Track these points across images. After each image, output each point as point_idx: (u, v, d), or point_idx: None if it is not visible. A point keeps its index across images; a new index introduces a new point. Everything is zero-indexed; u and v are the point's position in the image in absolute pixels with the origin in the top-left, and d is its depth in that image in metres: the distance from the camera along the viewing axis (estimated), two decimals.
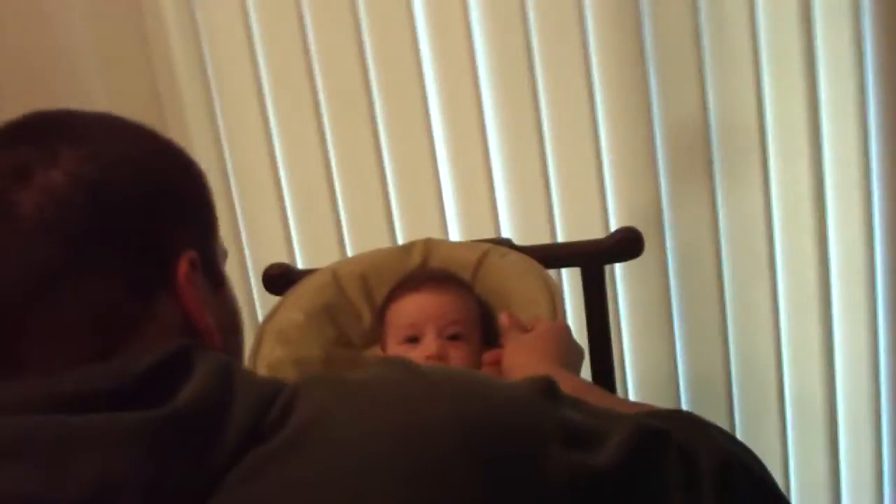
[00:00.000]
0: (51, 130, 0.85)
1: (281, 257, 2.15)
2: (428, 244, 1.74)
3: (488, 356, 1.42)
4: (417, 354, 1.50)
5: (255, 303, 2.29)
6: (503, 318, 1.46)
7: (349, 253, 2.24)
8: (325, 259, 1.97)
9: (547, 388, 0.85)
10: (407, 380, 0.82)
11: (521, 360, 1.34)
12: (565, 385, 1.17)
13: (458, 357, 1.50)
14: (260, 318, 2.16)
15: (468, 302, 1.57)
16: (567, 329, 1.45)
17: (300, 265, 2.24)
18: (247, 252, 2.30)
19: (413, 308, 1.55)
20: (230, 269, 2.24)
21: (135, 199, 0.84)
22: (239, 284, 2.32)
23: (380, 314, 1.63)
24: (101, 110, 0.92)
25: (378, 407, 0.78)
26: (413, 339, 1.53)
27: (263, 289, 1.90)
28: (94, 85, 2.12)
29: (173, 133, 2.13)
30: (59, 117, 0.88)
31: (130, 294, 0.83)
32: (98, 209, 0.81)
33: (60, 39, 2.06)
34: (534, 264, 1.66)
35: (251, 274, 2.28)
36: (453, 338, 1.52)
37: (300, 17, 2.15)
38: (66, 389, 0.75)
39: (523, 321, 1.46)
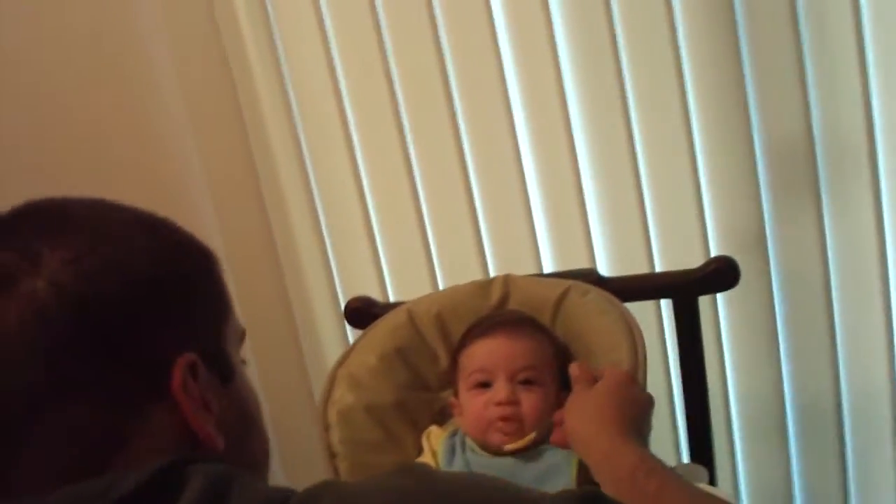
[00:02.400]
0: (36, 230, 0.82)
1: (372, 290, 2.13)
2: (507, 280, 1.68)
3: (559, 415, 1.36)
4: (488, 399, 1.46)
5: (348, 338, 2.27)
6: (573, 369, 1.40)
7: (441, 284, 2.20)
8: (416, 291, 1.94)
9: (585, 501, 0.79)
10: (416, 491, 0.77)
11: (579, 427, 1.29)
12: (624, 464, 1.13)
13: (530, 402, 1.45)
14: None
15: (543, 346, 1.52)
16: (633, 380, 1.40)
17: (392, 298, 2.21)
18: (337, 285, 2.28)
19: (484, 353, 1.51)
20: (319, 303, 2.27)
21: (121, 312, 0.80)
22: (331, 320, 2.31)
23: (453, 358, 1.59)
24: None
25: None
26: (484, 385, 1.49)
27: None
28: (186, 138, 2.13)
29: (260, 164, 2.18)
30: (46, 213, 0.86)
31: (119, 411, 0.80)
32: (82, 326, 0.78)
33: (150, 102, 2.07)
34: (615, 303, 1.60)
35: (342, 307, 2.26)
36: (526, 382, 1.47)
37: (383, 52, 2.12)
38: None
39: (593, 371, 1.39)
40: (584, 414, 1.30)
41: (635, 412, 1.31)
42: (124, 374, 0.80)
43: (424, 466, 0.82)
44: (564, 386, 1.51)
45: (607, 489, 1.16)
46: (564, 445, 1.34)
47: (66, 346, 0.78)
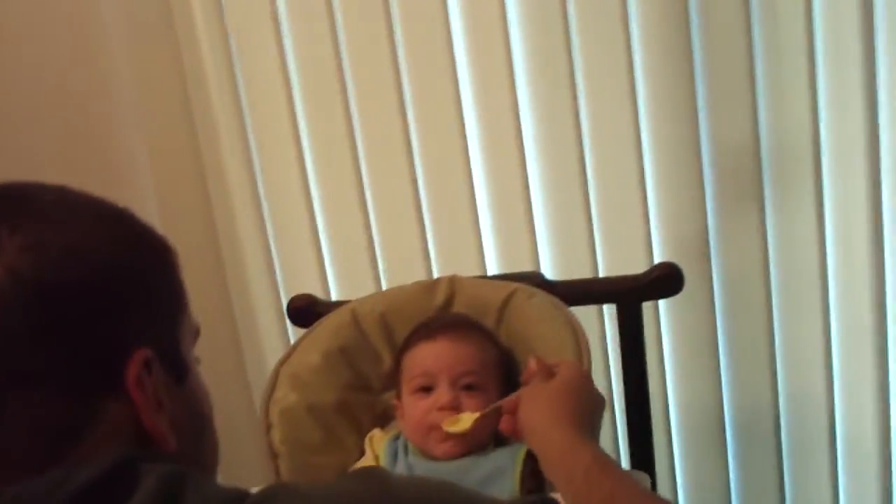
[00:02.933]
0: None
1: (315, 289, 2.11)
2: (453, 282, 1.68)
3: (507, 403, 1.34)
4: (430, 404, 1.45)
5: (290, 336, 2.25)
6: (531, 363, 1.39)
7: (384, 284, 2.18)
8: (359, 291, 1.93)
9: None
10: (371, 496, 0.77)
11: (536, 420, 1.27)
12: (578, 460, 1.13)
13: (472, 407, 1.44)
14: None
15: (486, 350, 1.52)
16: (588, 378, 1.38)
17: (334, 297, 2.19)
18: (280, 282, 2.26)
19: (427, 357, 1.50)
20: (261, 300, 2.25)
21: (79, 301, 0.79)
22: (272, 317, 2.28)
23: (396, 360, 1.58)
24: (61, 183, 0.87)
25: None
26: (427, 389, 1.48)
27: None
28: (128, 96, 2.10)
29: (207, 158, 2.15)
30: (7, 197, 0.84)
31: (74, 400, 0.79)
32: (39, 314, 0.77)
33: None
34: (561, 307, 1.60)
35: (284, 305, 2.24)
36: (468, 388, 1.46)
37: (335, 41, 2.10)
38: None
39: (549, 366, 1.39)
40: (539, 406, 1.29)
41: (589, 409, 1.31)
42: (80, 365, 0.78)
43: (380, 471, 0.81)
44: (507, 391, 1.50)
45: (560, 485, 1.16)
46: (513, 434, 1.32)
47: (21, 334, 0.76)
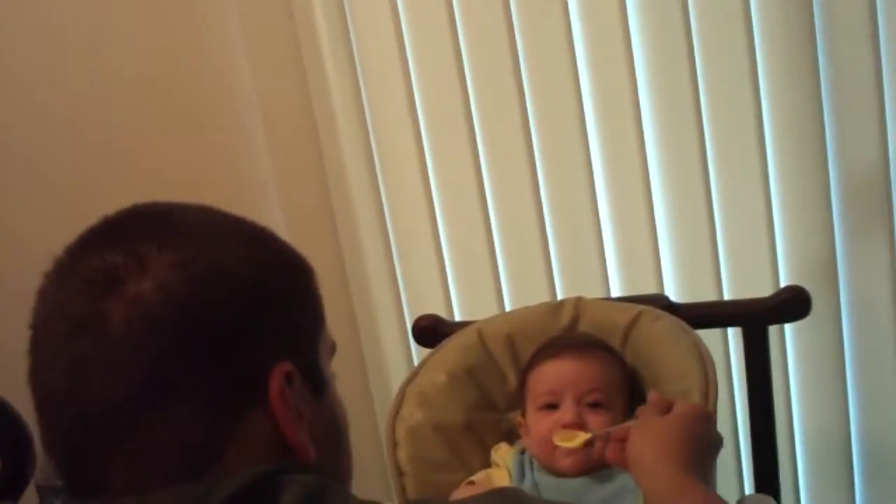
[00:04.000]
0: (141, 233, 0.83)
1: (439, 309, 2.13)
2: (579, 304, 1.68)
3: (618, 430, 1.34)
4: (554, 421, 1.46)
5: (413, 356, 2.27)
6: (651, 396, 1.38)
7: (507, 306, 2.20)
8: (482, 311, 1.95)
9: None
10: None
11: (646, 454, 1.23)
12: (690, 498, 1.11)
13: (596, 424, 1.45)
14: None
15: (612, 369, 1.52)
16: (706, 417, 1.34)
17: (458, 317, 2.22)
18: (404, 303, 2.29)
19: (553, 375, 1.51)
20: (386, 320, 2.28)
21: (225, 318, 0.82)
22: (397, 337, 2.32)
23: (521, 379, 1.59)
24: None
25: None
26: (552, 406, 1.49)
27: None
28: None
29: (332, 179, 2.20)
30: (152, 217, 0.87)
31: (218, 415, 0.81)
32: (186, 330, 0.80)
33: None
34: (687, 331, 1.59)
35: (408, 325, 2.27)
36: (594, 405, 1.47)
37: (460, 66, 2.14)
38: None
39: (668, 398, 1.37)
40: (651, 440, 1.25)
41: (703, 449, 1.28)
42: (225, 379, 0.81)
43: (517, 491, 0.82)
44: (632, 411, 1.51)
45: None
46: (619, 462, 1.30)
47: (170, 349, 0.79)
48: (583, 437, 1.42)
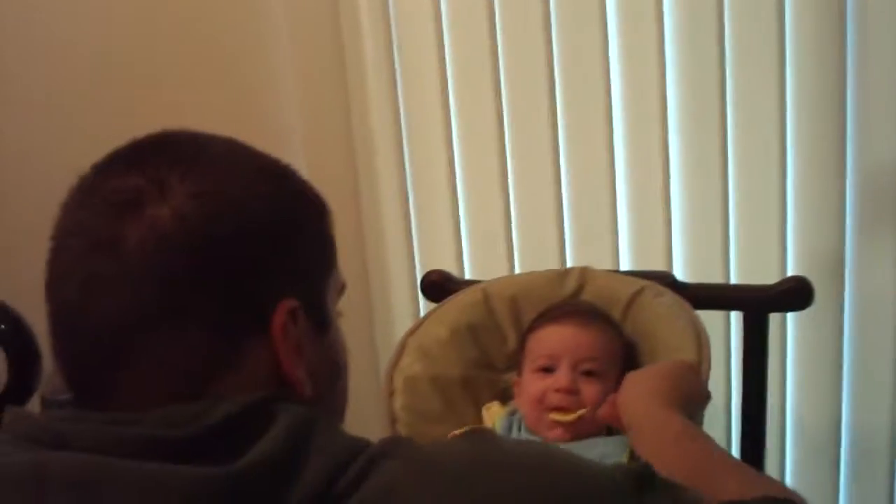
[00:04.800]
0: (166, 159, 0.85)
1: (450, 266, 2.16)
2: (584, 273, 1.71)
3: (612, 396, 1.39)
4: (548, 384, 1.49)
5: (420, 308, 2.31)
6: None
7: (517, 268, 2.23)
8: (492, 272, 1.97)
9: (638, 479, 0.83)
10: (480, 454, 0.81)
11: (632, 395, 1.33)
12: (669, 427, 1.16)
13: (589, 392, 1.48)
14: None
15: (610, 339, 1.55)
16: (692, 368, 1.43)
17: (468, 276, 2.24)
18: (417, 256, 2.32)
19: (552, 339, 1.54)
20: (397, 271, 2.32)
21: (237, 249, 0.84)
22: (406, 289, 2.35)
23: (521, 340, 1.62)
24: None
25: (443, 482, 0.78)
26: (548, 370, 1.51)
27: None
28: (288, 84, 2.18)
29: (357, 131, 2.23)
30: (178, 145, 0.89)
31: (221, 340, 0.83)
32: (199, 256, 0.82)
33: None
34: (687, 309, 1.61)
35: (418, 278, 2.30)
36: (588, 373, 1.49)
37: (492, 25, 2.15)
38: (138, 434, 0.77)
39: None
40: (637, 385, 1.35)
41: (687, 392, 1.35)
42: (231, 309, 0.83)
43: (489, 432, 0.86)
44: None
45: (650, 456, 1.19)
46: (610, 419, 1.37)
47: (180, 274, 0.81)
48: (573, 415, 1.46)
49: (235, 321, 0.84)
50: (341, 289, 0.98)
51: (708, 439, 1.21)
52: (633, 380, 1.38)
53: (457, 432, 1.47)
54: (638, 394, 1.32)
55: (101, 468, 0.75)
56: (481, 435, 0.85)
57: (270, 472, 0.75)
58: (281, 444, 0.76)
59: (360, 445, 0.80)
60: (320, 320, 0.92)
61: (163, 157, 0.86)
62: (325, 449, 0.78)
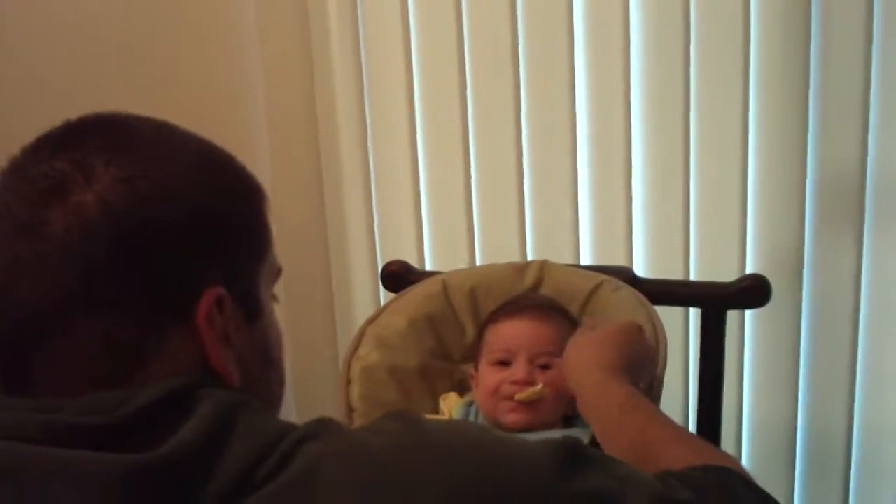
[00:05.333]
0: (94, 143, 0.84)
1: (411, 257, 2.16)
2: (544, 266, 1.72)
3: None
4: (505, 377, 1.49)
5: (381, 299, 2.31)
6: (586, 320, 1.45)
7: (478, 260, 2.23)
8: (453, 264, 1.98)
9: (565, 454, 0.83)
10: (404, 436, 0.81)
11: (577, 359, 1.34)
12: (613, 396, 1.19)
13: (545, 381, 1.48)
14: None
15: (568, 334, 1.54)
16: (638, 329, 1.43)
17: (428, 267, 2.25)
18: (378, 247, 2.32)
19: (510, 332, 1.54)
20: (358, 261, 2.32)
21: (162, 237, 0.83)
22: (367, 279, 2.35)
23: (479, 332, 1.62)
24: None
25: (367, 465, 0.77)
26: (504, 363, 1.51)
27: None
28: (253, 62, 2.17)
29: (322, 120, 2.22)
30: (108, 128, 0.88)
31: (144, 328, 0.82)
32: (121, 244, 0.81)
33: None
34: (645, 304, 1.62)
35: (379, 268, 2.30)
36: (545, 367, 1.50)
37: (458, 28, 2.17)
38: (59, 420, 0.76)
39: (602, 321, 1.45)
40: (581, 348, 1.36)
41: (633, 358, 1.35)
42: (155, 296, 0.82)
43: (415, 414, 0.85)
44: None
45: (594, 424, 1.22)
46: (558, 383, 1.40)
47: (104, 261, 0.80)
48: (536, 389, 1.46)
49: (159, 309, 0.83)
50: (277, 273, 0.97)
51: (652, 408, 1.22)
52: (577, 344, 1.39)
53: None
54: (582, 361, 1.33)
55: (21, 455, 0.74)
56: (411, 417, 0.84)
57: (191, 460, 0.74)
58: (202, 430, 0.75)
59: (286, 430, 0.79)
60: (251, 308, 0.91)
61: (92, 141, 0.85)
62: (247, 435, 0.77)
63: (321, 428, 0.80)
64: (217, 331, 0.85)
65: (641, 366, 1.39)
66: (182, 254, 0.84)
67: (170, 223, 0.83)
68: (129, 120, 0.89)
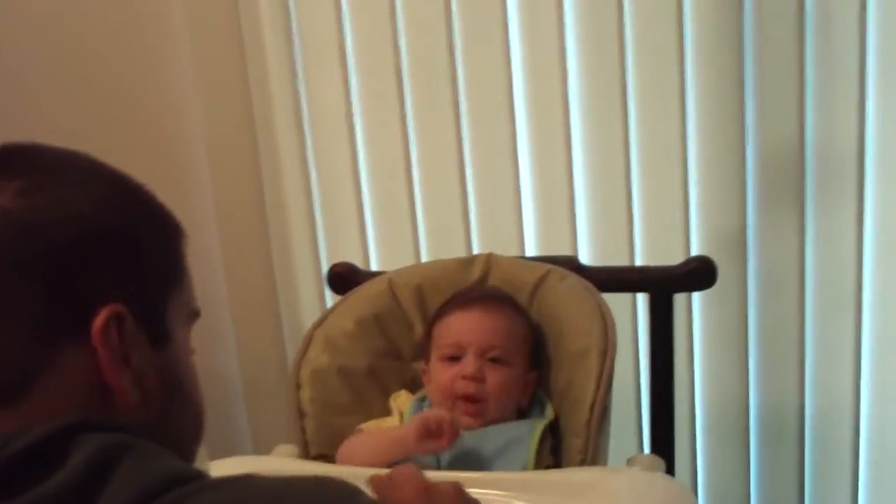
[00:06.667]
0: (5, 163, 0.84)
1: (356, 258, 2.15)
2: (490, 259, 1.71)
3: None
4: (456, 372, 1.50)
5: (327, 301, 2.29)
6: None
7: (424, 258, 2.22)
8: (399, 262, 1.96)
9: None
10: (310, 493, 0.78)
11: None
12: None
13: (495, 380, 1.49)
14: None
15: (516, 325, 1.55)
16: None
17: (374, 267, 2.23)
18: (322, 249, 2.31)
19: (459, 326, 1.54)
20: (302, 264, 2.30)
21: (60, 249, 0.81)
22: (312, 281, 2.33)
23: (428, 327, 1.61)
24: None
25: None
26: (455, 358, 1.51)
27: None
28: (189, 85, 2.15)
29: (259, 123, 2.20)
30: (17, 153, 0.86)
31: (37, 338, 0.80)
32: (17, 254, 0.79)
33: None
34: (592, 292, 1.62)
35: (324, 270, 2.28)
36: (495, 360, 1.49)
37: (393, 26, 2.15)
38: None
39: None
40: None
41: None
42: (49, 308, 0.80)
43: (344, 484, 0.80)
44: (534, 366, 1.55)
45: None
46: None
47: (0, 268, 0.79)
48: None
49: (53, 321, 0.81)
50: (192, 315, 0.95)
51: None
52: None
53: (363, 437, 1.47)
54: None
55: None
56: (335, 485, 0.80)
57: None
58: (75, 477, 0.72)
59: (184, 476, 0.76)
60: (157, 333, 0.88)
61: (2, 160, 0.84)
62: (127, 481, 0.73)
63: (232, 483, 0.77)
64: (113, 348, 0.82)
65: None
66: (81, 267, 0.82)
67: (68, 235, 0.82)
68: (39, 147, 0.88)
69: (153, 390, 0.87)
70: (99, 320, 0.81)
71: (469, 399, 1.48)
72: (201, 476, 0.76)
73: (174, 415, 0.91)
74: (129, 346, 0.84)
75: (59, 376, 0.81)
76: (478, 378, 1.48)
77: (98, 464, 0.74)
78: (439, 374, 1.51)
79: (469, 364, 1.49)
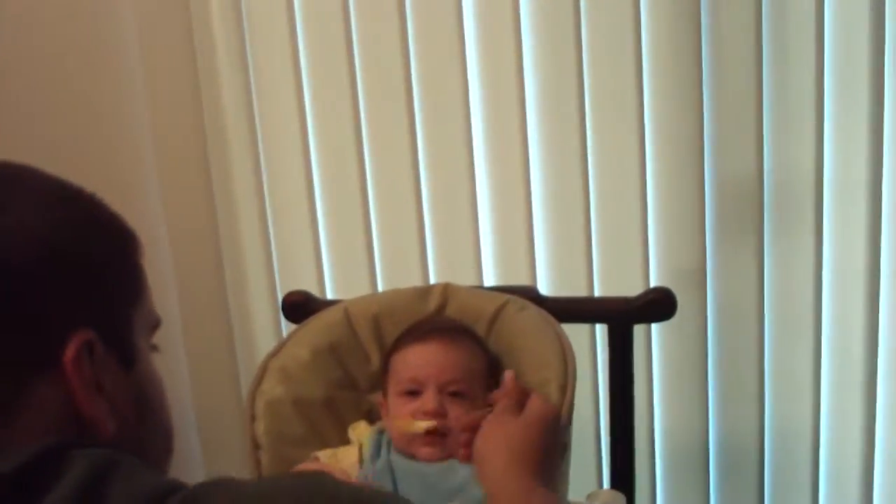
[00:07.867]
0: None
1: (311, 286, 2.12)
2: (447, 290, 1.69)
3: (467, 420, 1.35)
4: (415, 409, 1.46)
5: (283, 330, 2.26)
6: (508, 377, 1.39)
7: (380, 287, 2.20)
8: (355, 291, 1.94)
9: None
10: (308, 494, 0.77)
11: (494, 457, 1.22)
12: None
13: (456, 414, 1.45)
14: None
15: (475, 357, 1.52)
16: (556, 420, 1.31)
17: (330, 296, 2.21)
18: (277, 278, 2.28)
19: (417, 360, 1.50)
20: (257, 293, 2.27)
21: (20, 278, 0.78)
22: (267, 311, 2.30)
23: (385, 360, 1.58)
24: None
25: None
26: (413, 393, 1.48)
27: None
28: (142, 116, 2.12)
29: (212, 152, 2.17)
30: None
31: (6, 375, 0.78)
32: None
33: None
34: (551, 322, 1.60)
35: (279, 299, 2.25)
36: (455, 394, 1.47)
37: (349, 46, 2.13)
38: None
39: (525, 389, 1.37)
40: (497, 440, 1.24)
41: (549, 455, 1.25)
42: (15, 341, 0.78)
43: (322, 475, 0.80)
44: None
45: None
46: (469, 458, 1.32)
47: None
48: (424, 424, 1.43)
49: (20, 354, 0.78)
50: (154, 324, 0.93)
51: None
52: (493, 430, 1.27)
53: (318, 465, 1.44)
54: (496, 452, 1.22)
55: None
56: (311, 475, 0.79)
57: None
58: (72, 495, 0.71)
59: (167, 490, 0.75)
60: (125, 354, 0.87)
61: None
62: (122, 497, 0.72)
63: (210, 489, 0.76)
64: (86, 377, 0.80)
65: (557, 461, 1.29)
66: (41, 294, 0.79)
67: (28, 263, 0.79)
68: None
69: (127, 412, 0.85)
70: (70, 351, 0.79)
71: (429, 434, 1.45)
72: (180, 487, 0.75)
73: (147, 433, 0.90)
74: (101, 372, 0.82)
75: (36, 411, 0.78)
76: (438, 413, 1.44)
77: (95, 478, 0.72)
78: (399, 409, 1.48)
79: (429, 400, 1.45)
